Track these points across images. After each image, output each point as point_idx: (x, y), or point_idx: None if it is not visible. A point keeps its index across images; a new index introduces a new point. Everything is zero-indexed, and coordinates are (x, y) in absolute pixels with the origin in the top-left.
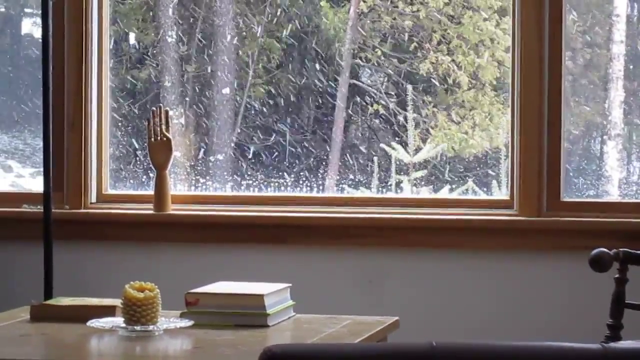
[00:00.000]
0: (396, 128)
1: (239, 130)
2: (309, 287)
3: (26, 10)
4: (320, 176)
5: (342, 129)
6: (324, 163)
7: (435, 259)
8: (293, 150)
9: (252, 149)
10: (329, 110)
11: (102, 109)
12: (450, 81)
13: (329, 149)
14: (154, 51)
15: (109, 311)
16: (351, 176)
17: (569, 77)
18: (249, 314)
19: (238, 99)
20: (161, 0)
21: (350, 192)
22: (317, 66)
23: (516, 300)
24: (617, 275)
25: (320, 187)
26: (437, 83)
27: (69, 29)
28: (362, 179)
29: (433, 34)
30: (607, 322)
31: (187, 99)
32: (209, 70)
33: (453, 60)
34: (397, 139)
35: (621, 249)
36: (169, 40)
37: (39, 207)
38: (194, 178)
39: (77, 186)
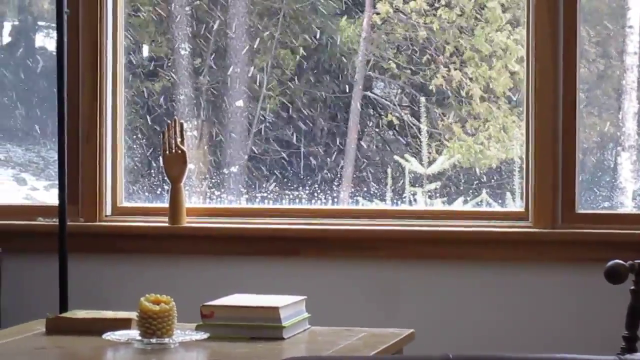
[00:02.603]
0: (410, 140)
1: (253, 143)
2: (324, 300)
3: (40, 23)
4: (335, 188)
5: (355, 141)
6: (338, 175)
7: (449, 271)
8: (307, 162)
9: (265, 161)
10: (342, 122)
11: (117, 121)
12: (463, 93)
13: (342, 161)
14: (168, 63)
15: (124, 324)
16: (365, 188)
17: (583, 88)
18: (264, 327)
19: (252, 111)
20: (174, 13)
21: (364, 204)
22: (331, 78)
23: (532, 312)
24: (632, 287)
25: (335, 200)
26: (450, 95)
27: (84, 41)
28: (376, 191)
29: (446, 46)
30: (623, 334)
31: (201, 111)
32: (223, 83)
33: (466, 73)
34: (410, 150)
35: (637, 261)
36: (183, 52)
37: (53, 219)
38: (208, 190)
39: (92, 199)
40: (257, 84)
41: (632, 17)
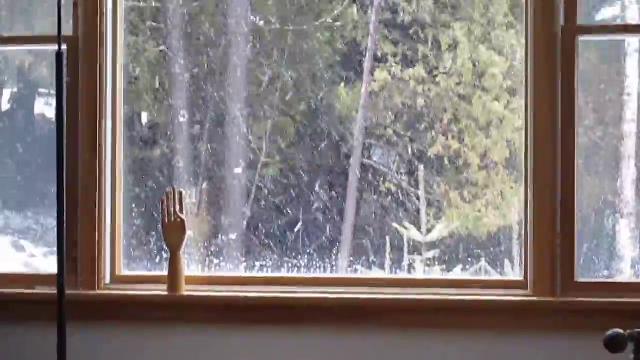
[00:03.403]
0: (408, 207)
1: (252, 210)
2: None
3: (40, 90)
4: (334, 257)
5: (354, 209)
6: (337, 243)
7: (449, 339)
8: (305, 229)
9: (264, 229)
10: (341, 190)
11: (116, 189)
12: (461, 162)
13: (341, 229)
14: (167, 131)
15: None
16: (364, 256)
17: (581, 155)
18: None
19: (250, 178)
20: (173, 80)
21: (363, 273)
22: (329, 145)
23: None
24: (632, 357)
25: (334, 268)
26: (448, 163)
27: (83, 108)
28: (375, 259)
29: (444, 114)
30: None
31: (200, 178)
32: (222, 150)
33: (463, 140)
34: (409, 218)
35: (636, 330)
36: (181, 120)
37: (52, 288)
38: (207, 259)
39: (91, 267)
40: (256, 151)
41: (630, 84)
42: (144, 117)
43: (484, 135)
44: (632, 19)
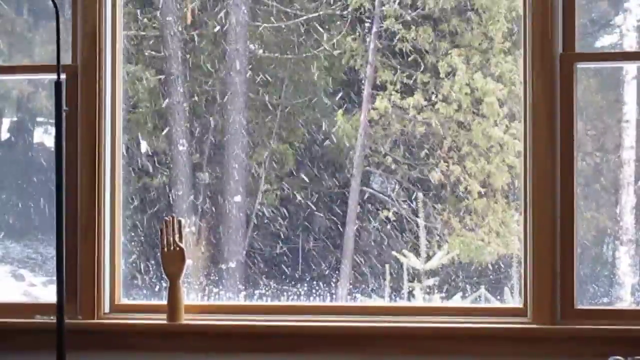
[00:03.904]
0: (408, 235)
1: (251, 238)
2: None
3: (38, 119)
4: (333, 284)
5: (353, 236)
6: (336, 271)
7: None
8: (305, 257)
9: (263, 257)
10: (340, 217)
11: (115, 217)
12: (461, 188)
13: (340, 257)
14: (166, 159)
15: None
16: (363, 284)
17: (581, 182)
18: None
19: (250, 206)
20: (172, 109)
21: (362, 301)
22: (329, 172)
23: None
24: None
25: (333, 296)
26: (448, 191)
27: (82, 137)
28: (374, 287)
29: (444, 141)
30: None
31: (199, 207)
32: (221, 178)
33: (464, 167)
34: (408, 245)
35: (637, 357)
36: (181, 148)
37: (51, 317)
38: (207, 287)
39: (90, 296)
40: (255, 178)
41: (628, 111)
42: (143, 146)
43: (484, 161)
44: (630, 46)
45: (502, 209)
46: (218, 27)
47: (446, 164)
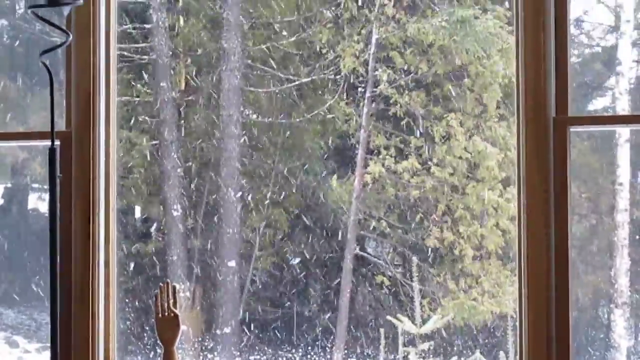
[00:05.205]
0: (402, 299)
1: (246, 303)
2: None
3: (33, 185)
4: (328, 349)
5: (348, 301)
6: (331, 336)
7: None
8: (300, 322)
9: (258, 322)
10: (335, 282)
11: (110, 283)
12: (456, 252)
13: (335, 322)
14: (160, 225)
15: None
16: (359, 349)
17: (576, 245)
18: None
19: (244, 271)
20: (166, 174)
21: None
22: (323, 237)
23: None
24: None
25: None
26: (442, 255)
27: (76, 204)
28: (369, 352)
29: (438, 205)
30: None
31: (194, 272)
32: (215, 243)
33: (458, 230)
34: (403, 309)
35: None
36: (175, 214)
37: None
38: (201, 354)
39: None
40: (249, 244)
41: (621, 174)
42: (137, 211)
43: (478, 224)
44: (622, 109)
45: (497, 270)
46: (212, 92)
47: (439, 229)
